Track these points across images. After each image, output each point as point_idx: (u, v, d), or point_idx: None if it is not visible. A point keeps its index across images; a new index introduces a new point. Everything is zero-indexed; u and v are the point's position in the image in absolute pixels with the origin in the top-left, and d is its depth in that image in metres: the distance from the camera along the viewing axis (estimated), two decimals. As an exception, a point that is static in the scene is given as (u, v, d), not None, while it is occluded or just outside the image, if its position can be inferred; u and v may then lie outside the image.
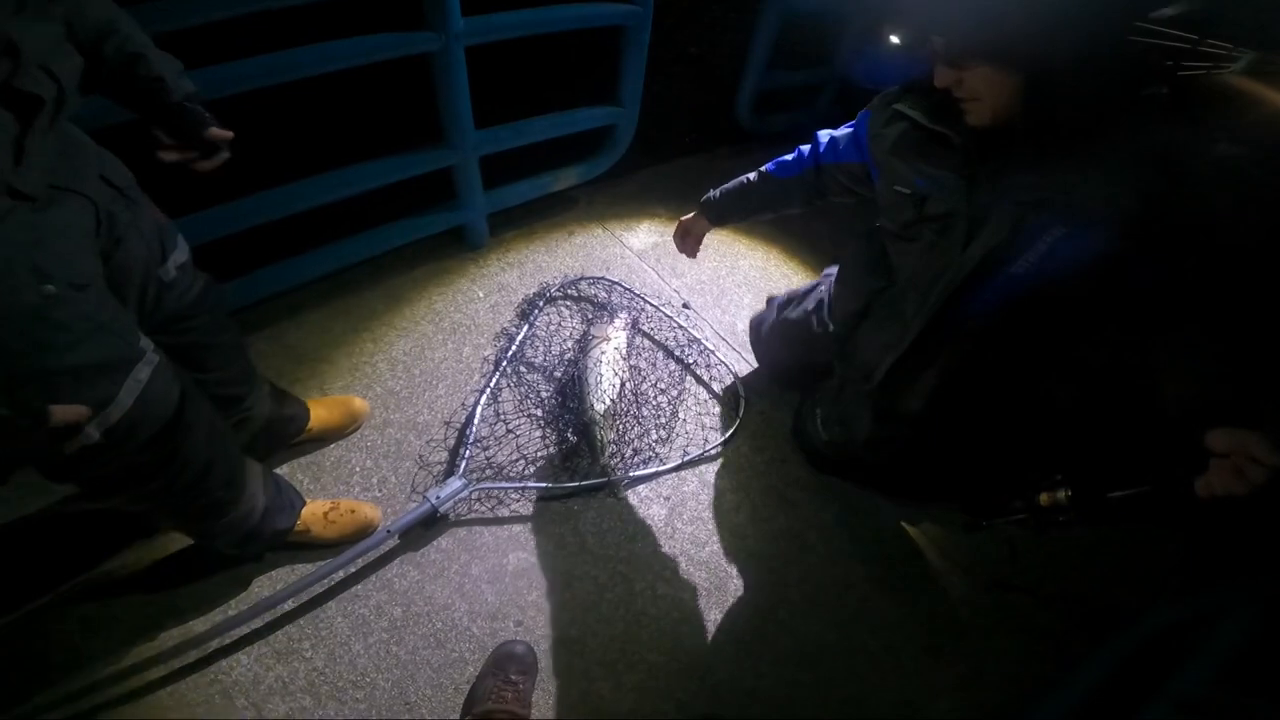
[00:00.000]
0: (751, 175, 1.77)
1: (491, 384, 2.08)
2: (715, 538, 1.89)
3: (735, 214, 1.84)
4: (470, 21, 1.92)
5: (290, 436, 1.83)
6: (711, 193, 1.84)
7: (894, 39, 1.29)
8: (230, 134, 1.24)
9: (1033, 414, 1.61)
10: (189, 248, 1.33)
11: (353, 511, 1.72)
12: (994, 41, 1.05)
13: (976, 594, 1.88)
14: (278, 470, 1.77)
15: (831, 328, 1.79)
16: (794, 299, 1.99)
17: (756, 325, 2.17)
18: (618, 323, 2.17)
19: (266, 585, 1.65)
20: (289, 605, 1.60)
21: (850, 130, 1.54)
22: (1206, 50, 2.09)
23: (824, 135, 1.62)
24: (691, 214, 1.90)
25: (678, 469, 2.01)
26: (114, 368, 1.03)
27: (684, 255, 1.94)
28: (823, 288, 1.90)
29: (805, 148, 1.67)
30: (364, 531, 1.71)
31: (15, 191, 0.89)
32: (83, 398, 0.98)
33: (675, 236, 1.94)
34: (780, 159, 1.72)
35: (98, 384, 1.00)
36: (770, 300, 2.13)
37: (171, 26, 1.46)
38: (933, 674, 1.74)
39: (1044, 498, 1.27)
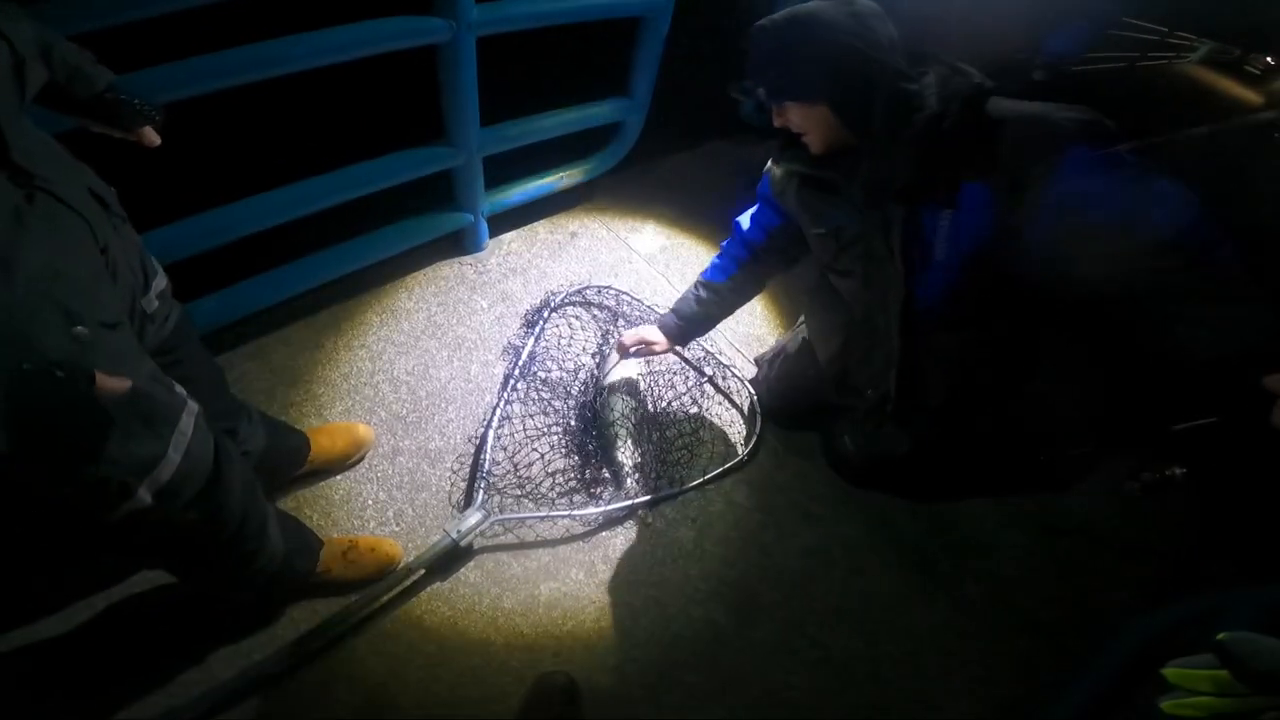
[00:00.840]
0: (700, 293, 1.87)
1: (503, 406, 2.02)
2: (743, 557, 1.90)
3: (699, 333, 2.00)
4: (485, 9, 1.81)
5: (292, 469, 1.75)
6: (670, 318, 1.94)
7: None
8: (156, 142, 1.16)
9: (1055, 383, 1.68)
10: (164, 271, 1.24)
11: (373, 549, 1.65)
12: (779, 82, 1.30)
13: (985, 598, 1.95)
14: (282, 508, 1.68)
15: (825, 369, 1.85)
16: (779, 353, 2.10)
17: (758, 385, 2.23)
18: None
19: (289, 629, 1.58)
20: (317, 647, 1.54)
21: (760, 201, 1.71)
22: (1171, 41, 2.19)
23: (743, 220, 1.77)
24: (652, 331, 1.98)
25: (701, 485, 2.01)
26: (161, 420, 0.96)
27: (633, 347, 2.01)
28: (800, 335, 1.98)
29: (728, 243, 1.82)
30: (386, 569, 1.65)
31: (13, 166, 0.81)
32: (131, 460, 0.90)
33: (628, 341, 2.00)
34: (712, 266, 1.86)
35: (146, 441, 0.93)
36: (759, 361, 2.26)
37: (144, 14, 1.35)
38: (950, 676, 1.80)
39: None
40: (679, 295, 1.95)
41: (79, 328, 0.82)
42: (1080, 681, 1.67)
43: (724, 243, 1.84)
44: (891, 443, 1.83)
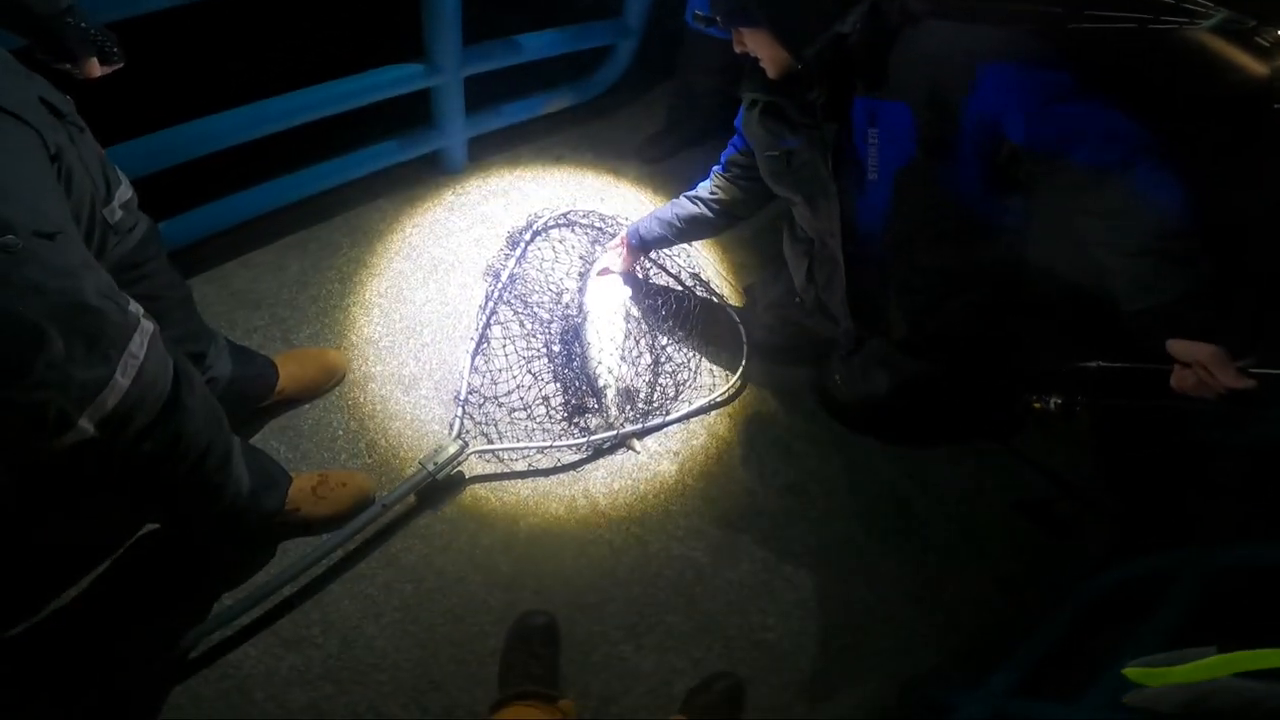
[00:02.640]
0: (669, 211, 1.97)
1: (483, 331, 1.98)
2: (725, 494, 1.93)
3: (656, 246, 2.08)
4: None
5: (258, 398, 1.70)
6: (634, 228, 2.02)
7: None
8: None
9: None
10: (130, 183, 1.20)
11: (344, 484, 1.63)
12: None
13: (955, 544, 2.01)
14: (247, 440, 1.63)
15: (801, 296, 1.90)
16: (765, 283, 2.18)
17: (746, 317, 2.25)
18: (617, 269, 2.10)
19: (259, 573, 1.57)
20: (288, 591, 1.53)
21: (736, 134, 1.80)
22: (1186, 6, 2.23)
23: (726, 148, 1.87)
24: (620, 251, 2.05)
25: (685, 418, 2.01)
26: (108, 340, 0.90)
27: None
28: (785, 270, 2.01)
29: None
30: (359, 505, 1.62)
31: None
32: (71, 385, 0.86)
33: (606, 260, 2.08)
34: (692, 189, 1.96)
35: (90, 363, 0.88)
36: (749, 291, 2.33)
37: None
38: (918, 622, 1.87)
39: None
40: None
41: (8, 236, 0.78)
42: (1036, 637, 1.77)
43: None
44: (875, 382, 1.87)
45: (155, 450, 1.04)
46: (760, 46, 1.41)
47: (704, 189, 1.93)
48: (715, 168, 1.90)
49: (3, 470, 1.12)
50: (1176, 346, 1.19)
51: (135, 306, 0.98)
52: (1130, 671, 1.05)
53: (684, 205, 1.94)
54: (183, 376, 1.07)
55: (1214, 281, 1.15)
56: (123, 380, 0.92)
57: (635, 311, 2.13)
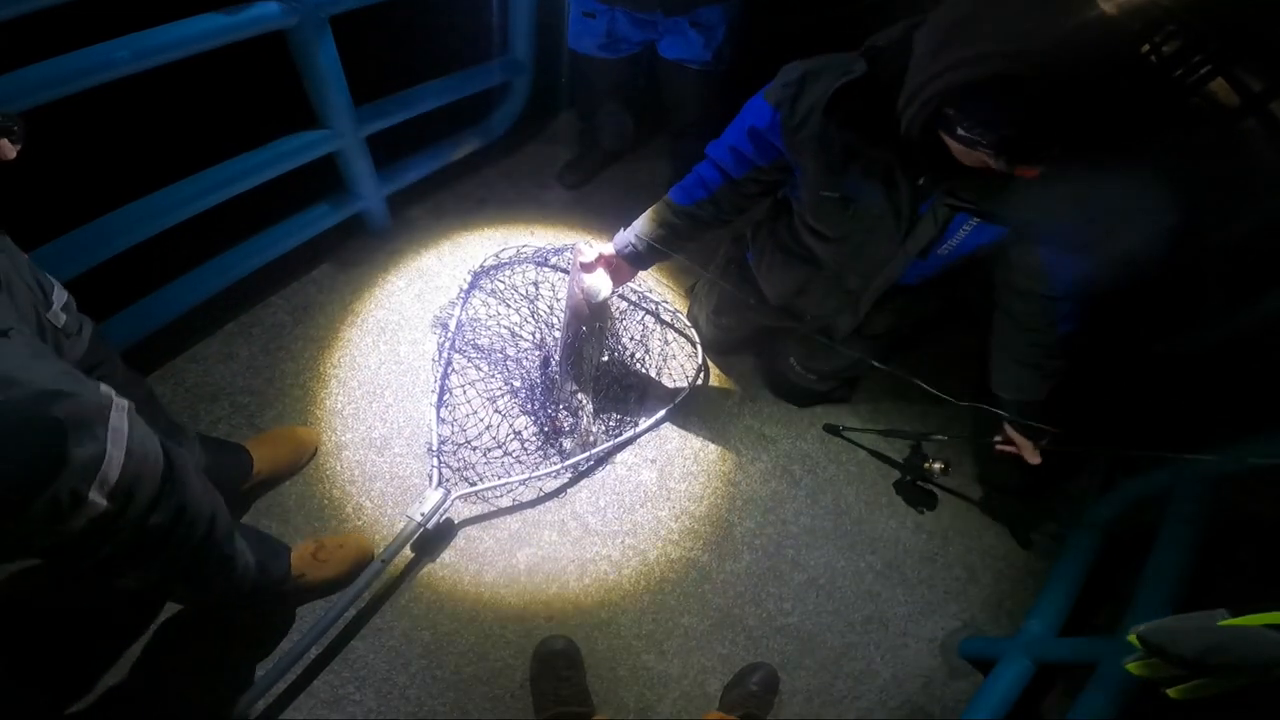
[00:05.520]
0: (669, 217, 1.73)
1: (441, 382, 2.08)
2: (710, 491, 2.05)
3: (662, 257, 1.80)
4: None
5: (237, 484, 1.76)
6: (632, 240, 1.76)
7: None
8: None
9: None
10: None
11: (340, 545, 1.71)
12: None
13: (950, 496, 2.17)
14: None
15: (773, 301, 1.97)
16: (712, 282, 2.15)
17: (693, 316, 2.37)
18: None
19: (283, 640, 1.65)
20: (314, 653, 1.61)
21: (746, 129, 1.52)
22: None
23: (722, 151, 1.61)
24: (609, 253, 1.80)
25: (655, 425, 2.13)
26: (91, 419, 0.96)
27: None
28: (729, 259, 2.07)
29: (705, 167, 1.67)
30: (360, 563, 1.71)
31: None
32: (74, 464, 0.91)
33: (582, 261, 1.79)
34: (681, 185, 1.72)
35: (80, 442, 0.93)
36: (691, 291, 2.43)
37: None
38: (935, 580, 2.01)
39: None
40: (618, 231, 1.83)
41: None
42: (1059, 576, 1.90)
43: (695, 170, 1.71)
44: (833, 363, 2.02)
45: (165, 522, 1.10)
46: None
47: (697, 193, 1.70)
48: (712, 175, 1.66)
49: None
50: (1010, 430, 1.70)
51: (105, 386, 1.02)
52: (1132, 666, 1.07)
53: (684, 211, 1.72)
54: (170, 452, 1.13)
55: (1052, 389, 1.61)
56: (116, 452, 0.97)
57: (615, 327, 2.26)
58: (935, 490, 2.16)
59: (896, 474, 2.17)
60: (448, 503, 1.79)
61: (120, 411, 1.01)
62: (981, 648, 1.86)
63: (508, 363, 2.15)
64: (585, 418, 2.01)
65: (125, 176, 1.81)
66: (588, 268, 1.77)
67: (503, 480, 1.92)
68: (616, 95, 2.53)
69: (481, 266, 2.38)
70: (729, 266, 2.05)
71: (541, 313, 2.28)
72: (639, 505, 1.99)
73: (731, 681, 1.75)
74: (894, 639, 1.91)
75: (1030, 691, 1.71)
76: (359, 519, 1.84)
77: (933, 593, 1.99)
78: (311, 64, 1.89)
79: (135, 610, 1.62)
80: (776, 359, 2.26)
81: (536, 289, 2.36)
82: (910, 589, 1.99)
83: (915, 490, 2.13)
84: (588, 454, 2.00)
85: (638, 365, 2.26)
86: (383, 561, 1.67)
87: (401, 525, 1.73)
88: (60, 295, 1.21)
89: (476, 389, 2.11)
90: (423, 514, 1.73)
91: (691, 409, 2.21)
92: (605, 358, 2.15)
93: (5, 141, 1.10)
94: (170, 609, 1.64)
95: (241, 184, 1.93)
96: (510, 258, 2.44)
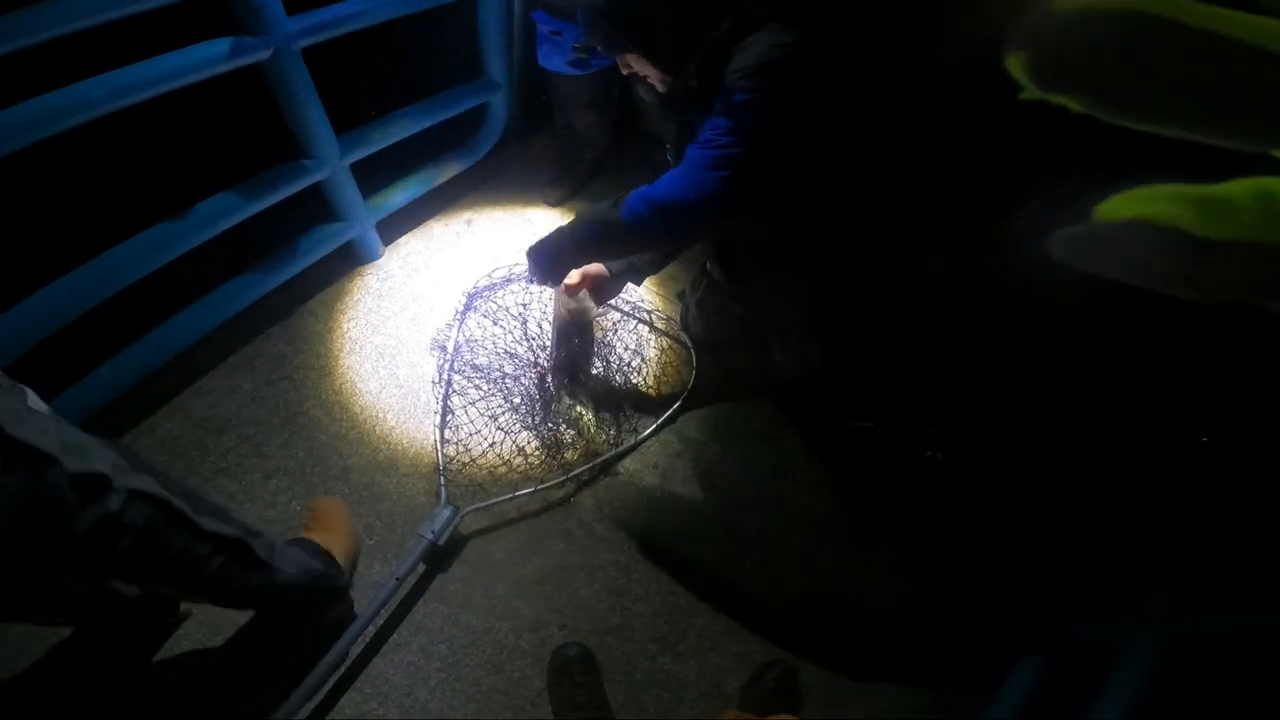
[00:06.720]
0: None
1: (443, 403, 2.15)
2: (714, 491, 2.10)
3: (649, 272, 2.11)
4: (299, 20, 1.88)
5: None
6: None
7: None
8: None
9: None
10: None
11: (325, 510, 1.82)
12: (602, 40, 1.59)
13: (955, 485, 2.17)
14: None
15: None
16: (697, 281, 2.26)
17: (685, 318, 2.43)
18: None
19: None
20: (341, 671, 1.67)
21: None
22: None
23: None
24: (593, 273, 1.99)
25: (656, 431, 2.19)
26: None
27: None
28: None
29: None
30: (344, 514, 1.84)
31: None
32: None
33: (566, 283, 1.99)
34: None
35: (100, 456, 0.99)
36: (682, 296, 2.46)
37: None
38: (950, 572, 2.00)
39: None
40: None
41: None
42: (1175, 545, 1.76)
43: None
44: (810, 356, 2.09)
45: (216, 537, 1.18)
46: (642, 67, 1.61)
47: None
48: None
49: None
50: None
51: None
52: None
53: None
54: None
55: None
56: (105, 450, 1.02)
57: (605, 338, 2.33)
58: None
59: (900, 467, 2.21)
60: (457, 518, 1.85)
61: (58, 423, 1.01)
62: (1093, 633, 1.74)
63: (506, 380, 2.22)
64: (586, 429, 2.08)
65: (106, 218, 1.88)
66: (571, 290, 1.95)
67: (509, 495, 1.98)
68: (593, 109, 2.62)
69: (475, 288, 2.45)
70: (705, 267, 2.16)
71: (532, 333, 2.35)
72: (645, 511, 2.05)
73: (749, 680, 1.78)
74: (912, 631, 1.92)
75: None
76: (370, 538, 1.90)
77: (954, 585, 1.99)
78: (289, 95, 1.97)
79: (153, 634, 1.69)
80: (768, 364, 2.30)
81: (525, 309, 2.42)
82: (927, 583, 1.99)
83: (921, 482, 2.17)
84: (590, 464, 2.07)
85: (634, 374, 2.32)
86: (397, 579, 1.73)
87: (412, 543, 1.79)
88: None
89: (478, 408, 2.17)
90: (433, 531, 1.79)
91: (691, 413, 2.27)
92: (598, 371, 2.22)
93: None
94: (185, 630, 1.70)
95: (231, 218, 2.00)
96: (502, 278, 2.51)
